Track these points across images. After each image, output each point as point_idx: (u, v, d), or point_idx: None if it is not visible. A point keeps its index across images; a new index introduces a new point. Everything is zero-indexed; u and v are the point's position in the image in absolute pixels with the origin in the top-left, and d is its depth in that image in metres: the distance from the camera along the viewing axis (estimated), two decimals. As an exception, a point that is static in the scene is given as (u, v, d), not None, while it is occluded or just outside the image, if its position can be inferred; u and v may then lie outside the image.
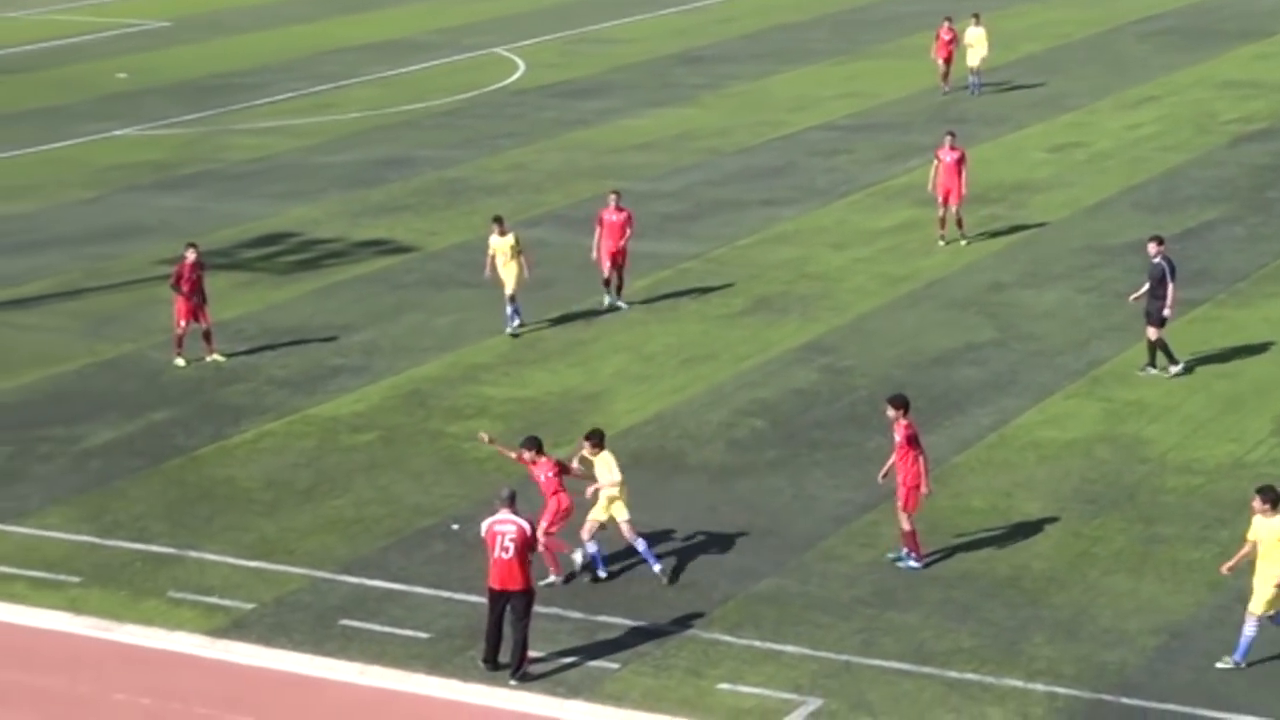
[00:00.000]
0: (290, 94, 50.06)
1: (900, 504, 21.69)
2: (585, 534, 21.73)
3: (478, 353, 29.50)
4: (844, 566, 21.87)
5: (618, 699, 18.93)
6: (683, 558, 22.16)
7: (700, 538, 22.73)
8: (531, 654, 19.57)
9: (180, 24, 62.06)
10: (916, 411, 26.46)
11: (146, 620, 20.66)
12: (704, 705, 18.79)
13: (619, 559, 21.99)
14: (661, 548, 22.41)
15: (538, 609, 20.24)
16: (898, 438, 21.67)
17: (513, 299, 29.96)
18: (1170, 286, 27.58)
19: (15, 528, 23.15)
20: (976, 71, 47.97)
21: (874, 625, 20.43)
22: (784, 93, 49.53)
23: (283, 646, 20.07)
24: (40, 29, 61.39)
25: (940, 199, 34.93)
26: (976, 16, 48.44)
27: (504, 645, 19.48)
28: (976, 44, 47.74)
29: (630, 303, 31.38)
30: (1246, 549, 19.29)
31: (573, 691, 19.14)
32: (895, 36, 57.71)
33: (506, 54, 55.48)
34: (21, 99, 49.89)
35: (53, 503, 23.91)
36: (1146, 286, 27.77)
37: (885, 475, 22.08)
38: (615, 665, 19.61)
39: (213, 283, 32.86)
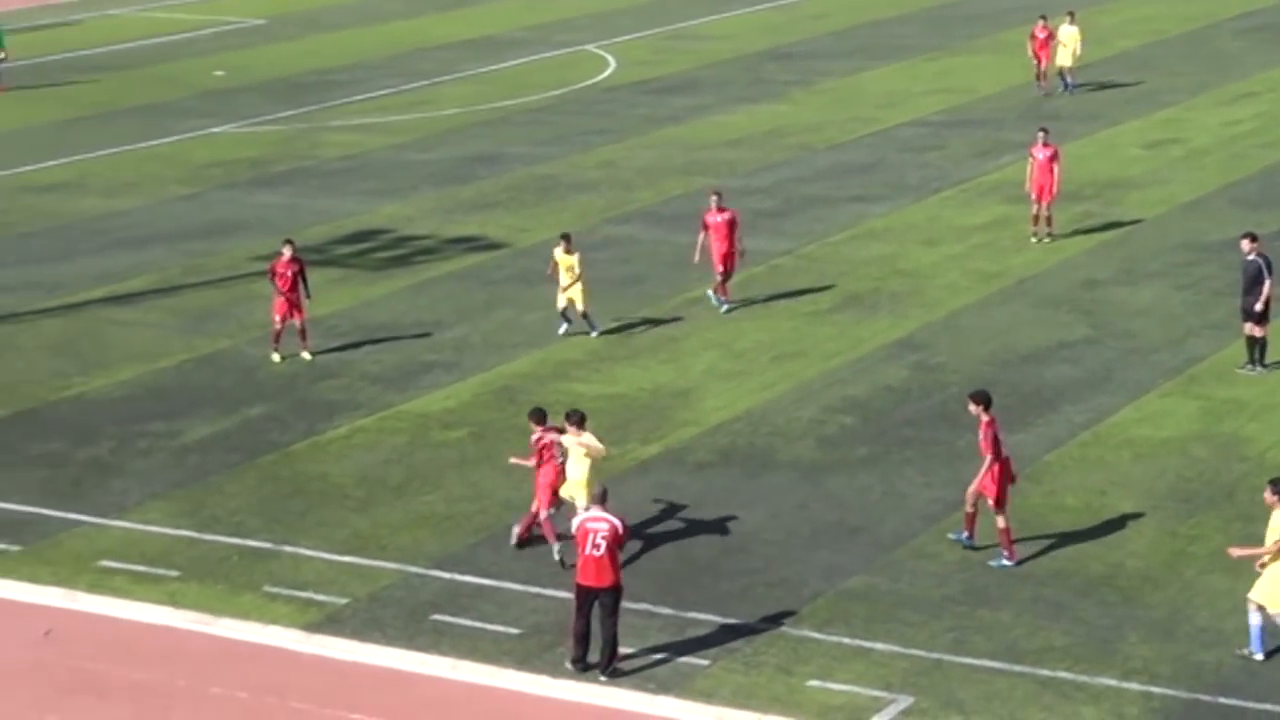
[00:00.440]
0: (384, 91, 50.42)
1: (991, 502, 21.61)
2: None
3: (568, 349, 29.62)
4: (934, 564, 21.81)
5: (708, 695, 18.97)
6: (772, 555, 22.17)
7: (790, 535, 22.73)
8: (621, 650, 19.66)
9: (276, 21, 62.63)
10: (1007, 409, 26.41)
11: (243, 614, 20.91)
12: (794, 702, 18.80)
13: (693, 555, 22.03)
14: (750, 544, 22.46)
15: (627, 605, 20.33)
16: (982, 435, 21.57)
17: (564, 313, 29.74)
18: (1267, 284, 27.27)
19: (116, 522, 23.50)
20: (1070, 70, 47.47)
21: (965, 623, 20.35)
22: (875, 89, 49.35)
23: (375, 641, 20.26)
24: (140, 26, 62.14)
25: (1034, 196, 34.71)
26: (1071, 15, 47.92)
27: (592, 644, 19.57)
28: (1069, 42, 47.24)
29: (730, 305, 31.15)
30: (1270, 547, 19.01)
31: (663, 687, 19.20)
32: (989, 31, 57.33)
33: (598, 51, 55.61)
34: (123, 96, 50.55)
35: (152, 498, 24.24)
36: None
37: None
38: (705, 662, 19.66)
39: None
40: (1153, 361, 28.36)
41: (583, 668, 19.53)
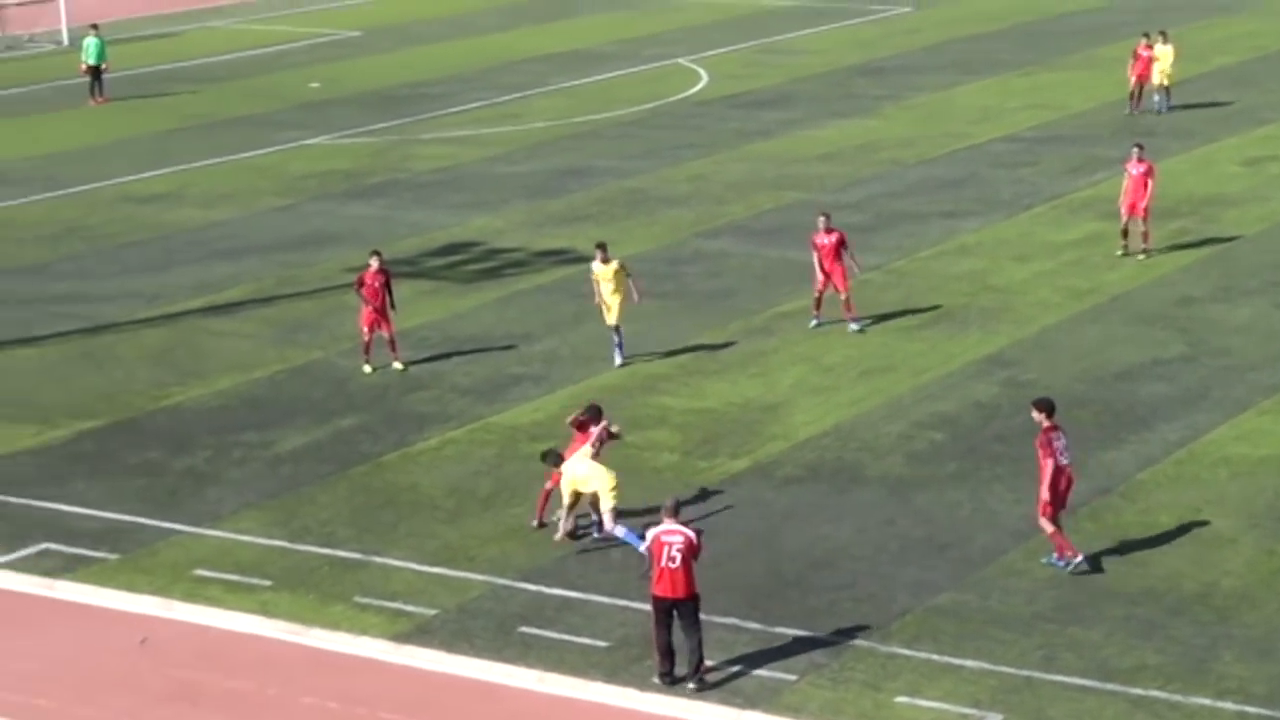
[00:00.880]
0: (477, 104, 50.72)
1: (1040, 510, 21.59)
2: (610, 520, 22.34)
3: (658, 362, 29.67)
4: (1025, 581, 21.68)
5: (795, 710, 18.95)
6: (860, 570, 22.12)
7: (878, 550, 22.67)
8: (707, 663, 19.69)
9: (371, 34, 63.14)
10: (1100, 426, 26.26)
11: (334, 624, 21.10)
12: (882, 718, 18.75)
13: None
14: (838, 559, 22.41)
15: (715, 619, 20.38)
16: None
17: (617, 329, 29.28)
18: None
19: (211, 531, 23.78)
20: (1164, 89, 46.81)
21: (1055, 641, 20.22)
22: (967, 104, 49.11)
23: (464, 653, 20.39)
24: (239, 38, 62.83)
25: (1125, 211, 34.44)
26: (1164, 34, 47.32)
27: (677, 658, 19.61)
28: (1163, 61, 46.61)
29: (863, 321, 30.80)
30: None
31: (749, 702, 19.19)
32: (1083, 48, 56.89)
33: (689, 65, 55.68)
34: (221, 108, 51.13)
35: (245, 507, 24.51)
36: None
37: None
38: (792, 676, 19.64)
39: (398, 291, 33.44)
40: (1250, 379, 28.05)
41: (670, 681, 19.57)
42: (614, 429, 23.56)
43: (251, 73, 56.40)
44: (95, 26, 53.12)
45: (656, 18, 64.72)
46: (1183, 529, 22.89)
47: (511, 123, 48.22)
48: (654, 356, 29.95)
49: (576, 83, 53.38)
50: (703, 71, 54.40)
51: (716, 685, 19.45)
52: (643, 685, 19.59)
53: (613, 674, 19.82)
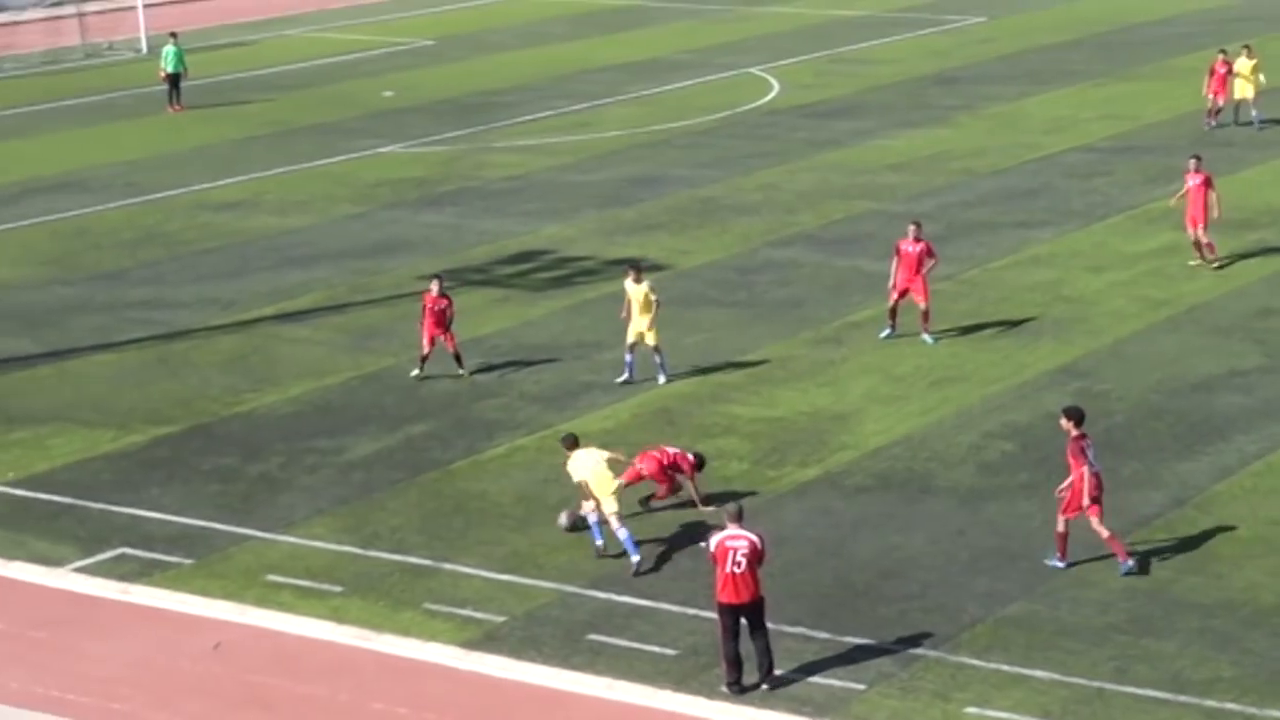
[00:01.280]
0: (549, 112, 50.88)
1: (1062, 508, 21.85)
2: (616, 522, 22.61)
3: (727, 371, 29.66)
4: (1097, 592, 21.54)
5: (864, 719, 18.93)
6: (930, 580, 22.04)
7: (948, 560, 22.58)
8: (777, 672, 19.68)
9: (444, 43, 63.45)
10: (1175, 438, 26.05)
11: (404, 631, 21.20)
12: (950, 730, 18.68)
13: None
14: (908, 569, 22.34)
15: (784, 628, 20.39)
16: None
17: (632, 348, 28.91)
18: None
19: (283, 537, 23.96)
20: (1253, 103, 46.01)
21: (1128, 652, 20.09)
22: (1041, 114, 48.82)
23: (532, 660, 20.45)
24: (314, 47, 63.28)
25: (1189, 224, 34.18)
26: (1248, 48, 46.69)
27: (746, 665, 19.61)
28: (1248, 75, 45.87)
29: (936, 335, 30.68)
30: None
31: (819, 711, 19.16)
32: (1158, 58, 56.45)
33: (761, 74, 55.64)
34: (297, 116, 51.53)
35: (317, 513, 24.67)
36: None
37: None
38: (861, 686, 19.60)
39: (469, 299, 33.75)
40: (1327, 392, 27.77)
41: (739, 690, 19.57)
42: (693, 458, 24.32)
43: (326, 81, 56.80)
44: (174, 35, 53.66)
45: (729, 27, 64.73)
46: (1260, 541, 22.67)
47: (583, 131, 48.34)
48: (724, 365, 29.94)
49: (648, 92, 53.45)
50: (774, 81, 54.35)
51: (786, 694, 19.41)
52: (711, 694, 19.59)
53: (681, 682, 19.83)
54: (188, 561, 23.23)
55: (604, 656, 20.43)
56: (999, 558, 22.58)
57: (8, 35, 65.30)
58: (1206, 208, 33.97)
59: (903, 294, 30.50)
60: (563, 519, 23.66)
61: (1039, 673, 19.74)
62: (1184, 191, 34.50)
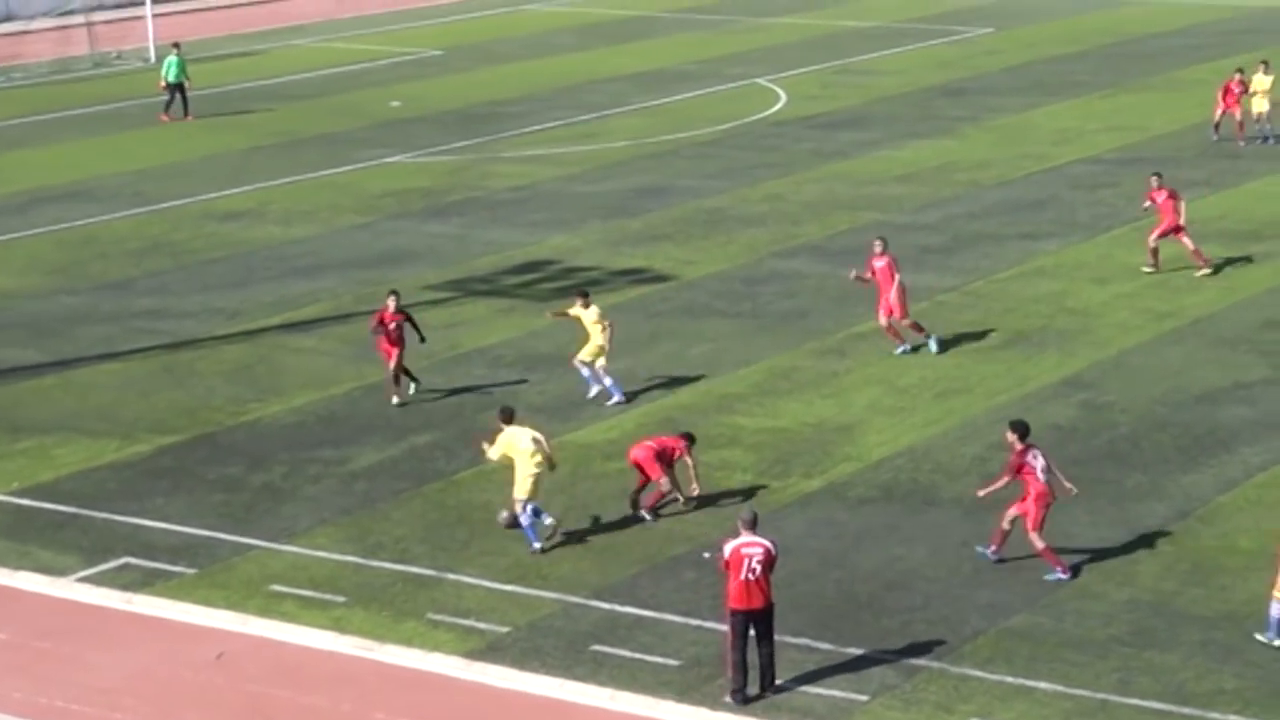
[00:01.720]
0: (555, 123, 50.92)
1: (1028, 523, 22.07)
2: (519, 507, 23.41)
3: (731, 382, 29.68)
4: (1100, 605, 21.53)
5: (865, 733, 18.92)
6: (933, 592, 22.04)
7: (951, 572, 22.57)
8: (779, 683, 19.70)
9: (451, 53, 63.48)
10: (1180, 450, 26.03)
11: (406, 641, 21.20)
12: (952, 742, 18.66)
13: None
14: (912, 581, 22.33)
15: (787, 639, 20.38)
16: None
17: (588, 364, 28.84)
18: None
19: (286, 546, 23.97)
20: (1266, 118, 45.72)
21: (1131, 664, 20.08)
22: (1048, 125, 48.83)
23: (535, 670, 20.45)
24: (321, 56, 63.30)
25: (1158, 237, 34.50)
26: (1265, 64, 46.49)
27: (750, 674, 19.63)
28: (1264, 90, 45.56)
29: (938, 338, 30.76)
30: None
31: (820, 723, 19.17)
32: (1166, 69, 56.46)
33: (768, 85, 55.68)
34: (303, 125, 51.56)
35: (321, 523, 24.69)
36: None
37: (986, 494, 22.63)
38: (864, 697, 19.60)
39: (474, 309, 33.81)
40: (1332, 404, 27.75)
41: (743, 699, 19.56)
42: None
43: (333, 91, 56.84)
44: (177, 45, 53.75)
45: (735, 38, 64.77)
46: (1263, 553, 22.61)
47: (589, 142, 48.39)
48: (729, 375, 29.95)
49: (655, 102, 53.49)
50: (781, 92, 54.38)
51: (788, 704, 19.40)
52: (714, 704, 19.59)
53: (684, 693, 19.83)
54: (191, 571, 23.25)
55: (607, 667, 20.43)
56: (1002, 570, 22.56)
57: (16, 45, 65.36)
58: (1178, 216, 34.18)
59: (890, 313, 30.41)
60: (503, 515, 23.89)
61: (1042, 684, 19.73)
62: (1150, 206, 34.77)
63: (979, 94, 53.34)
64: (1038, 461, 22.16)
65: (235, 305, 34.74)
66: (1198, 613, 21.22)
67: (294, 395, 29.62)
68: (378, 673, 20.63)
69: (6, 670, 20.86)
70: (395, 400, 28.76)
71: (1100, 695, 19.45)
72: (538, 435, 23.76)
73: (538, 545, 23.37)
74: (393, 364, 28.69)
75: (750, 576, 19.46)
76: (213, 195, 43.53)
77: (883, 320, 30.55)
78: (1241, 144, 45.33)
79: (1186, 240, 34.58)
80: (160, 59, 56.14)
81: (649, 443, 24.66)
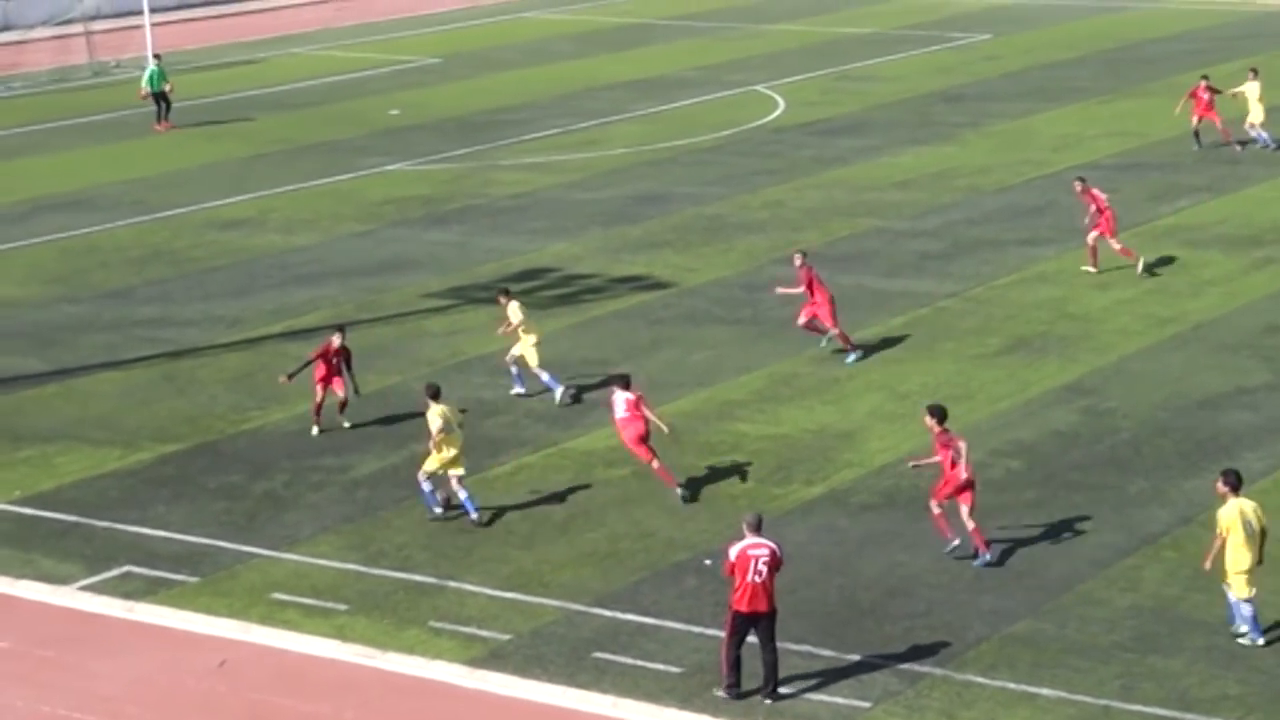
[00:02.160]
0: (555, 130, 50.94)
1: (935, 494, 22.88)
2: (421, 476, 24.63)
3: (732, 389, 29.68)
4: (1103, 610, 21.52)
5: (868, 739, 18.90)
6: (935, 598, 22.03)
7: (954, 578, 22.55)
8: (782, 690, 19.69)
9: (451, 61, 63.54)
10: (1182, 455, 26.02)
11: (409, 649, 21.19)
12: (955, 749, 18.65)
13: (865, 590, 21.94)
14: (914, 587, 22.32)
15: (789, 645, 20.38)
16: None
17: (516, 368, 29.44)
18: None
19: (288, 555, 23.97)
20: (1262, 126, 45.64)
21: (1134, 670, 20.06)
22: (1047, 131, 48.85)
23: (537, 678, 20.43)
24: (321, 65, 63.36)
25: (1098, 234, 34.99)
26: (1254, 71, 46.39)
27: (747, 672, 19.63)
28: (1255, 99, 45.46)
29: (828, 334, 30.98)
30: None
31: (823, 730, 19.15)
32: (1166, 74, 56.44)
33: (767, 91, 55.71)
34: (303, 134, 51.59)
35: (322, 531, 24.68)
36: None
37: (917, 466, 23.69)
38: (866, 704, 19.58)
39: (475, 317, 33.81)
40: (1333, 409, 27.74)
41: (737, 694, 19.60)
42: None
43: (333, 99, 56.90)
44: (157, 56, 53.90)
45: (734, 44, 64.83)
46: (1267, 559, 22.53)
47: (589, 149, 48.42)
48: (729, 382, 29.94)
49: (654, 110, 53.52)
50: (780, 98, 54.41)
51: (791, 711, 19.40)
52: (716, 710, 19.58)
53: (686, 700, 19.82)
54: (193, 579, 23.24)
55: (609, 674, 20.42)
56: (1004, 576, 22.55)
57: (16, 54, 65.44)
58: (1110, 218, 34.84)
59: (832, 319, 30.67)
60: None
61: (1045, 690, 19.71)
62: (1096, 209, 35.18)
63: (978, 100, 53.38)
64: (956, 444, 22.82)
65: (236, 313, 34.74)
66: (1200, 618, 21.20)
67: (295, 403, 29.58)
68: (380, 680, 20.62)
69: (9, 679, 20.86)
70: (316, 430, 28.09)
71: (1103, 701, 19.44)
72: (450, 414, 24.58)
73: (436, 513, 24.69)
74: (322, 393, 27.98)
75: (756, 579, 19.51)
76: (214, 203, 43.56)
77: (802, 319, 30.89)
78: (1239, 149, 45.30)
79: (1093, 238, 35.10)
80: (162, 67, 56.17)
81: (633, 428, 25.10)
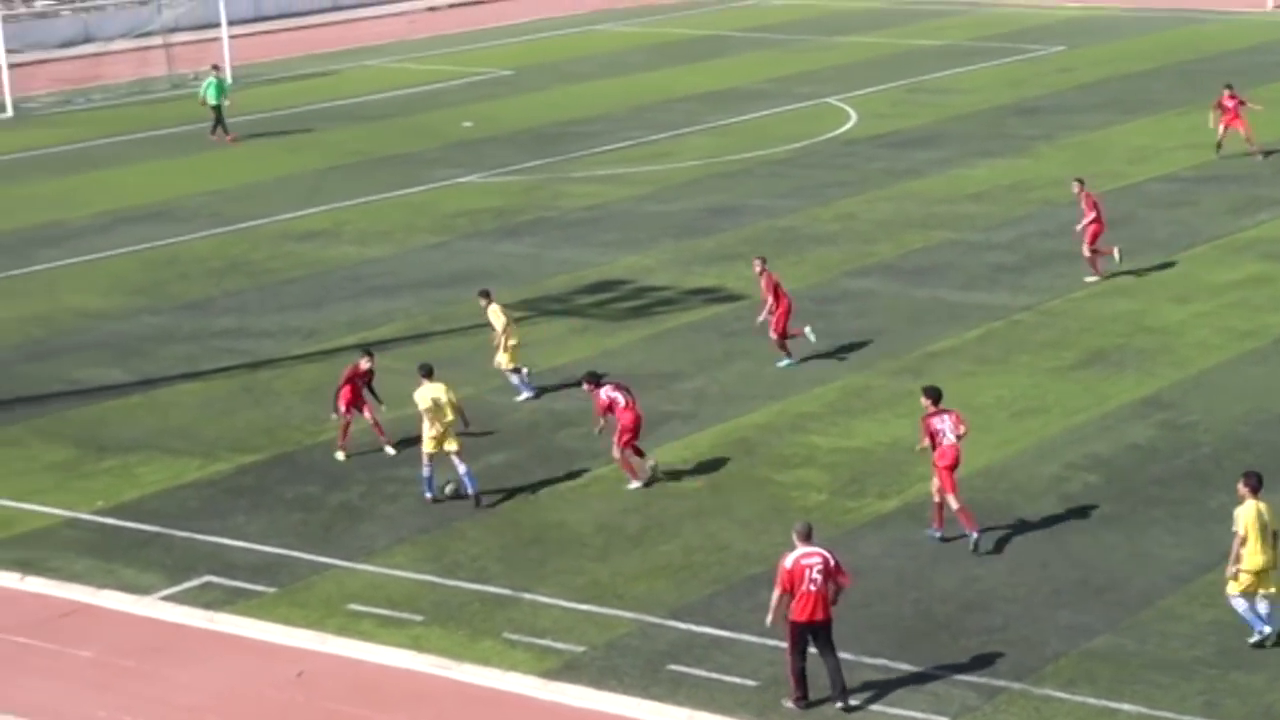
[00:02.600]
0: (627, 142, 50.99)
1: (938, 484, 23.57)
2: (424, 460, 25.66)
3: (805, 401, 29.61)
4: (1184, 626, 21.33)
5: (945, 755, 18.81)
6: (1013, 613, 21.90)
7: (1031, 593, 22.42)
8: (853, 702, 19.69)
9: (523, 72, 63.71)
10: (1264, 469, 25.51)
11: (483, 660, 21.23)
12: (1034, 765, 18.53)
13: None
14: (990, 602, 22.19)
15: (864, 659, 20.36)
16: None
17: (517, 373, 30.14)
18: None
19: (364, 565, 24.08)
20: None
21: (1217, 686, 19.88)
22: (1123, 143, 48.49)
23: (612, 690, 20.44)
24: (395, 77, 63.67)
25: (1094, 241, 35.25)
26: None
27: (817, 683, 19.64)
28: None
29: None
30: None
31: (900, 745, 19.08)
32: (1243, 87, 55.68)
33: (839, 104, 55.58)
34: (378, 146, 51.86)
35: (398, 542, 24.78)
36: None
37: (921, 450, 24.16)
38: (944, 719, 19.47)
39: (548, 329, 33.90)
40: None
41: (805, 706, 19.62)
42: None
43: (407, 111, 57.17)
44: (216, 67, 54.37)
45: (806, 56, 64.72)
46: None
47: (661, 161, 48.45)
48: (802, 395, 29.88)
49: (727, 122, 53.51)
50: (852, 110, 54.28)
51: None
52: (792, 725, 19.56)
53: (761, 713, 19.78)
54: (271, 590, 23.39)
55: (684, 687, 20.40)
56: (1083, 590, 22.40)
57: (96, 66, 66.09)
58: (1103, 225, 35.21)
59: (784, 326, 31.05)
60: (448, 488, 25.64)
61: (1126, 706, 19.56)
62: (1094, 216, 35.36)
63: (1052, 112, 53.04)
64: (942, 423, 23.63)
65: (312, 325, 34.96)
66: (1282, 635, 21.00)
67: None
68: (455, 692, 20.68)
69: (92, 688, 21.05)
70: (342, 455, 27.87)
71: (1186, 717, 19.27)
72: (439, 395, 25.58)
73: (428, 495, 25.66)
74: (347, 414, 27.78)
75: (812, 587, 19.55)
76: (289, 215, 43.87)
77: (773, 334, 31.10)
78: (1260, 158, 44.90)
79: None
80: (240, 80, 56.66)
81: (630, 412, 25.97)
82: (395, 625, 22.22)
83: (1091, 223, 35.36)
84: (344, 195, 45.72)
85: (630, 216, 42.57)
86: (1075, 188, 36.30)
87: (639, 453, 26.33)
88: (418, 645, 21.66)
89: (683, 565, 23.66)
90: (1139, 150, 47.50)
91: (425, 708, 20.30)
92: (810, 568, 19.57)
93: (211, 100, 52.50)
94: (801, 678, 19.71)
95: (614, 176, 46.83)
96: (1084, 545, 23.69)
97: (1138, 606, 21.89)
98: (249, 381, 31.77)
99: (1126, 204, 41.79)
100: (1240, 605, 20.70)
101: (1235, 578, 20.64)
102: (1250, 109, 45.38)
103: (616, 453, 26.05)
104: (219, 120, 52.60)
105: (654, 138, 51.52)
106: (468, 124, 54.58)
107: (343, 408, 27.77)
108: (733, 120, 53.65)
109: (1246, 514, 20.64)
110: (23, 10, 72.45)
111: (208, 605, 23.01)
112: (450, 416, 25.70)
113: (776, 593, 19.76)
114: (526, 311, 35.25)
